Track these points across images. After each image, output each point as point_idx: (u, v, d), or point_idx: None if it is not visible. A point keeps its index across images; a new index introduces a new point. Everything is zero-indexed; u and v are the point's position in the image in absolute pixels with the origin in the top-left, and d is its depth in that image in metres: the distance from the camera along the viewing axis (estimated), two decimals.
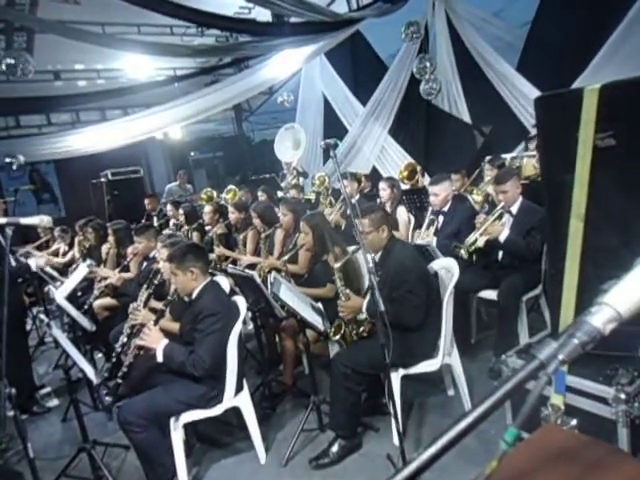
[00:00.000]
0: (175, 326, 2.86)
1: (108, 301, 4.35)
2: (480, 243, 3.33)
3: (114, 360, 2.89)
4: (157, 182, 12.30)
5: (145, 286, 3.25)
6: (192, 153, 13.76)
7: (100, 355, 4.54)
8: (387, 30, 7.36)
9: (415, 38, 6.89)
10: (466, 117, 7.21)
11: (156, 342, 2.49)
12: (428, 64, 6.92)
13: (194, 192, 9.59)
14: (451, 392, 3.14)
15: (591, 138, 1.98)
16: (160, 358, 2.49)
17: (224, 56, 7.79)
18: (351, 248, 3.49)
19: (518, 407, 2.45)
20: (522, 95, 6.35)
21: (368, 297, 2.74)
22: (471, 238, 3.34)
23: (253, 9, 7.12)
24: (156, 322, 2.58)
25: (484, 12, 7.58)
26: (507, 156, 5.54)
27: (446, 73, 7.15)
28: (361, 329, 2.87)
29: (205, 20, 5.52)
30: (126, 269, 4.21)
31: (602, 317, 0.53)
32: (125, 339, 2.90)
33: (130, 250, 3.98)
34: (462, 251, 3.28)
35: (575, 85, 5.51)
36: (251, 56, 7.25)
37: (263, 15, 6.82)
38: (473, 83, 6.98)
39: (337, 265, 2.92)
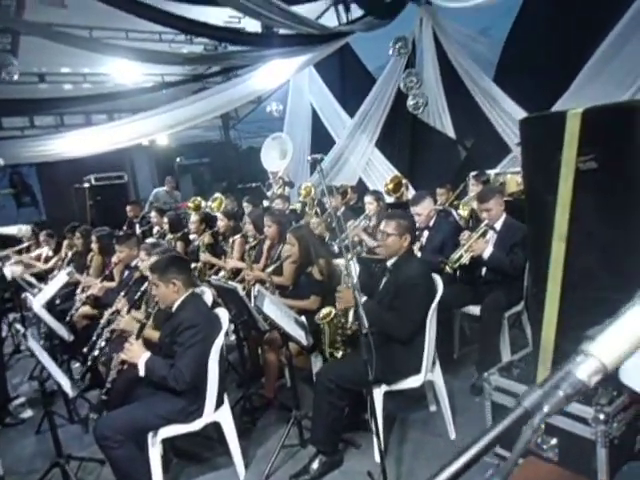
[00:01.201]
0: (156, 335, 2.81)
1: (88, 310, 4.26)
2: (465, 260, 3.36)
3: (89, 364, 2.83)
4: (142, 188, 12.17)
5: (123, 293, 3.21)
6: (178, 159, 13.66)
7: (77, 365, 4.44)
8: (375, 43, 7.44)
9: (403, 53, 6.98)
10: (450, 132, 7.32)
11: (138, 356, 2.44)
12: (415, 79, 7.02)
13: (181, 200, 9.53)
14: (433, 408, 3.13)
15: (573, 161, 2.01)
16: (142, 372, 2.45)
17: (212, 64, 7.78)
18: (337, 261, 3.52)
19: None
20: (505, 112, 6.46)
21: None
22: (456, 254, 3.37)
23: (243, 18, 7.14)
24: (138, 335, 2.53)
25: (470, 30, 7.73)
26: (491, 172, 5.63)
27: (432, 88, 7.25)
28: (348, 325, 2.86)
29: (194, 29, 5.53)
30: (110, 278, 4.15)
31: (588, 369, 0.53)
32: (103, 343, 2.84)
33: (114, 259, 3.93)
34: (447, 267, 3.30)
35: (558, 104, 5.65)
36: (240, 65, 7.25)
37: (253, 25, 6.84)
38: (458, 99, 7.09)
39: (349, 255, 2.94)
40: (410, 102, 7.13)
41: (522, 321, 3.70)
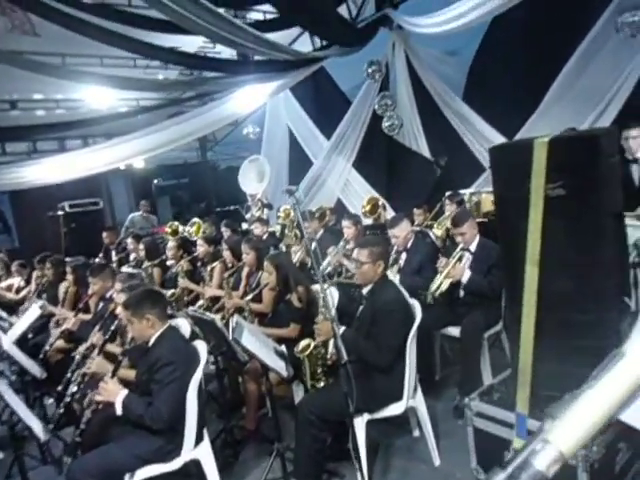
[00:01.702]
0: (132, 374, 2.74)
1: (62, 344, 4.14)
2: (444, 287, 3.40)
3: (62, 411, 2.72)
4: (119, 212, 11.98)
5: (97, 327, 3.13)
6: (155, 180, 13.52)
7: (51, 401, 4.28)
8: (349, 65, 7.58)
9: (377, 77, 7.12)
10: (426, 152, 7.45)
11: (114, 395, 2.37)
12: (389, 101, 7.15)
13: (158, 223, 9.41)
14: (416, 433, 3.12)
15: (542, 188, 2.06)
16: (119, 411, 2.38)
17: (188, 90, 7.78)
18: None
19: (482, 451, 2.45)
20: (477, 132, 6.62)
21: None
22: (435, 284, 3.40)
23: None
24: (113, 374, 2.46)
25: (440, 52, 7.95)
26: (466, 191, 5.73)
27: (406, 110, 7.39)
28: (327, 356, 2.84)
29: (168, 57, 5.54)
30: (85, 310, 4.05)
31: (546, 459, 0.52)
32: (75, 388, 2.75)
33: (89, 291, 3.84)
34: (428, 298, 3.33)
35: (525, 126, 5.82)
36: (215, 91, 7.28)
37: (228, 51, 6.89)
38: (432, 120, 7.24)
39: (325, 285, 2.92)
40: (385, 124, 7.25)
41: (502, 340, 3.73)
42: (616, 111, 5.36)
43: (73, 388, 2.76)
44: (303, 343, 2.80)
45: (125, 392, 2.39)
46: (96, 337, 3.08)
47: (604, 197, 2.04)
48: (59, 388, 3.16)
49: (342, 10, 7.17)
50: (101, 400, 2.41)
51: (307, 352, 2.78)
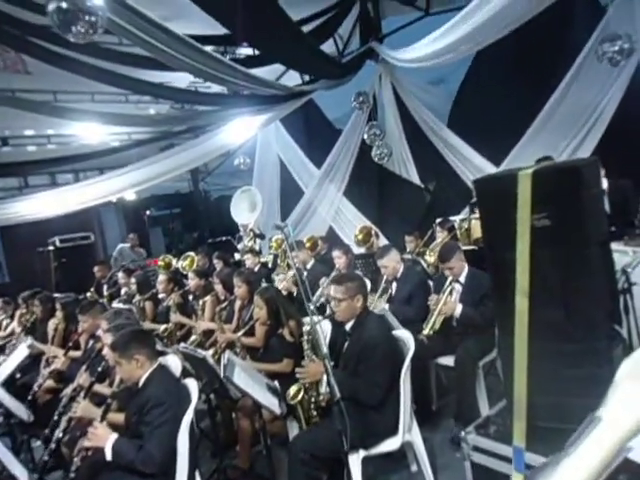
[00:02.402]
0: (121, 418, 2.67)
1: (51, 384, 4.05)
2: (437, 325, 3.39)
3: (46, 458, 2.65)
4: (111, 245, 11.89)
5: (84, 368, 3.07)
6: (148, 211, 13.50)
7: (39, 443, 4.16)
8: (336, 95, 7.74)
9: (365, 107, 7.27)
10: (415, 179, 7.55)
11: (104, 440, 2.31)
12: (378, 131, 7.28)
13: (148, 256, 9.37)
14: (414, 467, 3.05)
15: (528, 219, 2.08)
16: (109, 457, 2.31)
17: (179, 125, 7.89)
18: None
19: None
20: (465, 159, 6.73)
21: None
22: (428, 323, 3.40)
23: None
24: (103, 417, 2.40)
25: (425, 83, 8.17)
26: (456, 218, 5.78)
27: (395, 139, 7.53)
28: (320, 398, 2.79)
29: (159, 92, 5.62)
30: (76, 347, 3.98)
31: None
32: (61, 434, 2.67)
33: (79, 330, 3.78)
34: (424, 338, 3.32)
35: (512, 154, 5.95)
36: (207, 124, 7.38)
37: (219, 86, 7.01)
38: (420, 148, 7.37)
39: (307, 328, 2.89)
40: (375, 152, 7.36)
41: (497, 368, 3.70)
42: (598, 137, 5.50)
43: (59, 434, 2.68)
44: (293, 389, 2.74)
45: (115, 437, 2.32)
46: (83, 378, 3.01)
47: (589, 227, 2.07)
48: (47, 431, 3.07)
49: (329, 44, 7.37)
50: (90, 446, 2.34)
51: (299, 398, 2.73)
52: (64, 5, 2.68)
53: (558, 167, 2.17)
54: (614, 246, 2.54)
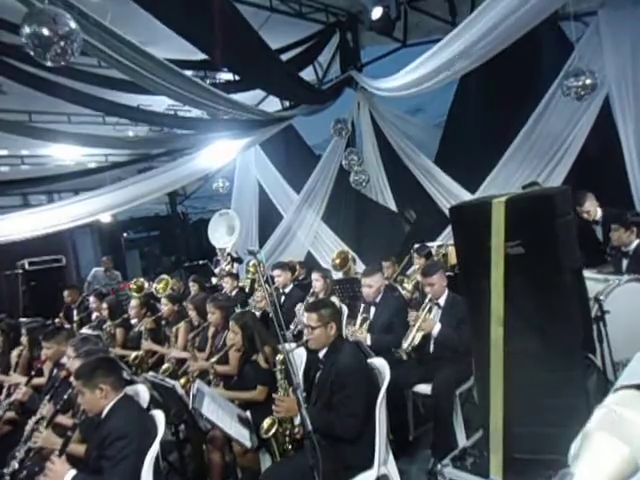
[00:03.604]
0: (82, 449, 2.53)
1: (11, 415, 3.83)
2: (417, 340, 3.38)
3: None
4: (85, 269, 11.57)
5: (48, 397, 2.92)
6: (125, 234, 13.24)
7: None
8: (316, 121, 7.84)
9: (343, 134, 7.36)
10: (392, 206, 7.62)
11: (61, 477, 2.17)
12: (356, 157, 7.36)
13: (123, 278, 9.15)
14: None
15: (502, 246, 2.09)
16: None
17: (157, 148, 7.83)
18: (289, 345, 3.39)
19: None
20: (441, 186, 6.84)
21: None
22: (408, 339, 3.38)
23: None
24: (61, 452, 2.26)
25: (403, 112, 8.35)
26: (433, 244, 5.82)
27: (372, 165, 7.62)
28: (295, 430, 2.70)
29: (137, 116, 5.59)
30: (39, 375, 3.79)
31: None
32: (17, 465, 2.51)
33: (42, 357, 3.61)
34: (403, 355, 3.31)
35: (486, 182, 6.07)
36: (185, 148, 7.35)
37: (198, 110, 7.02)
38: (397, 175, 7.47)
39: (280, 357, 2.81)
40: (353, 178, 7.42)
41: (474, 396, 3.66)
42: (568, 166, 5.67)
43: (15, 465, 2.51)
44: (267, 422, 2.64)
45: (73, 473, 2.18)
46: (46, 408, 2.86)
47: (562, 254, 2.08)
48: (4, 469, 2.88)
49: (309, 72, 7.49)
50: None
51: (272, 432, 2.63)
52: (39, 30, 2.64)
53: (531, 195, 2.20)
54: (586, 274, 2.56)
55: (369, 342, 3.64)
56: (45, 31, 2.51)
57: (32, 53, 2.72)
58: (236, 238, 8.18)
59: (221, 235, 8.34)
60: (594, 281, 3.11)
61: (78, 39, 2.61)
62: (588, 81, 4.47)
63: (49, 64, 2.65)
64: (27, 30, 2.57)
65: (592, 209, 4.49)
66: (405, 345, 3.40)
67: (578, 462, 0.57)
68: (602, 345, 2.59)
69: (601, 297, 2.59)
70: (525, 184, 5.20)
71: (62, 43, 2.52)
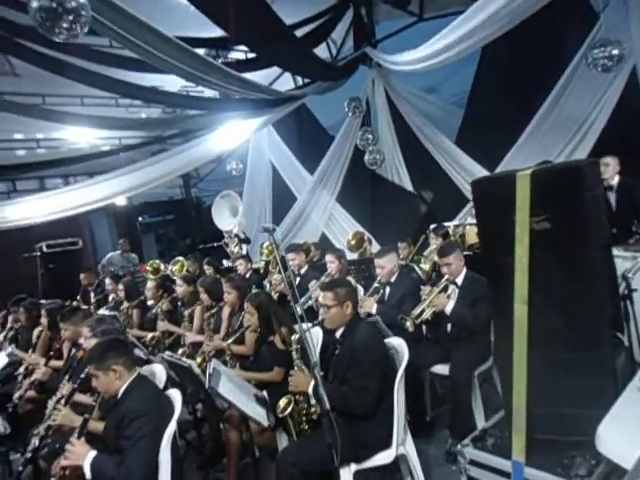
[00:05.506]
0: (102, 427, 2.54)
1: (32, 394, 3.90)
2: (427, 315, 3.33)
3: (20, 469, 2.52)
4: (101, 252, 11.68)
5: (67, 377, 2.94)
6: (140, 218, 13.32)
7: (18, 455, 4.00)
8: (329, 101, 7.69)
9: (358, 112, 7.21)
10: (408, 186, 7.49)
11: (82, 458, 2.18)
12: (370, 136, 7.22)
13: (140, 261, 9.21)
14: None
15: (527, 222, 2.01)
16: (88, 475, 2.18)
17: (170, 129, 7.79)
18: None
19: None
20: (459, 165, 6.69)
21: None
22: (417, 310, 3.33)
23: None
24: (80, 433, 2.27)
25: (419, 90, 8.14)
26: (450, 224, 5.71)
27: (388, 145, 7.48)
28: (312, 410, 2.67)
29: (150, 96, 5.53)
30: (58, 356, 3.84)
31: None
32: (37, 442, 2.54)
33: (61, 338, 3.65)
34: (408, 323, 3.25)
35: (506, 159, 5.90)
36: (198, 129, 7.29)
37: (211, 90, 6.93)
38: (413, 154, 7.33)
39: (295, 337, 2.79)
40: (367, 158, 7.29)
41: (493, 377, 3.61)
42: (592, 143, 5.47)
43: (35, 442, 2.55)
44: (283, 401, 2.61)
45: (93, 454, 2.20)
46: (66, 388, 2.88)
47: (590, 230, 1.99)
48: (27, 444, 2.93)
49: (322, 49, 7.32)
50: (68, 465, 2.21)
51: (288, 411, 2.60)
52: (46, 3, 2.58)
53: (558, 168, 2.10)
54: (614, 251, 2.46)
55: (374, 311, 3.62)
56: (53, 4, 2.45)
57: (40, 30, 2.67)
58: (240, 218, 8.09)
59: (225, 217, 8.23)
60: (622, 258, 3.00)
61: (86, 13, 2.54)
62: (615, 51, 4.27)
63: (57, 39, 2.60)
64: (35, 4, 2.52)
65: (611, 167, 4.35)
66: (414, 313, 3.33)
67: None
68: (629, 324, 2.50)
69: (629, 275, 2.49)
70: (538, 163, 5.05)
71: (70, 17, 2.47)
